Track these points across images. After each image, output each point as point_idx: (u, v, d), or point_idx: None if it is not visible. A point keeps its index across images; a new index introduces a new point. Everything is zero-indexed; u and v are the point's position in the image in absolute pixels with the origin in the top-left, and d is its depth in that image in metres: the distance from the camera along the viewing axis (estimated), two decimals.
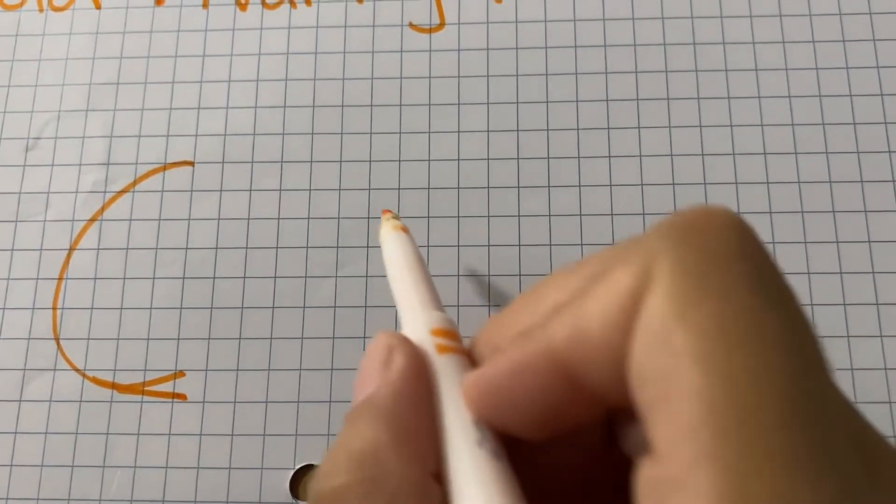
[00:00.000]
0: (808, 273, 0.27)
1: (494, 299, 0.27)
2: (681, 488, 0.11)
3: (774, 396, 0.10)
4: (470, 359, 0.16)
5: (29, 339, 0.28)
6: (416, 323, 0.17)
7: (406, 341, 0.16)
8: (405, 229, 0.23)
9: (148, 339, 0.28)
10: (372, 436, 0.14)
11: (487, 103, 0.30)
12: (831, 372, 0.11)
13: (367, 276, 0.28)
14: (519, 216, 0.28)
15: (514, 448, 0.14)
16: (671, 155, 0.29)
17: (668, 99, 0.29)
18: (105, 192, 0.30)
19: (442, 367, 0.16)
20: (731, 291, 0.11)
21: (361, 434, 0.15)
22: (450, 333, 0.17)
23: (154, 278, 0.29)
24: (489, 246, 0.28)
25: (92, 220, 0.29)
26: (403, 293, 0.20)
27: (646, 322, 0.11)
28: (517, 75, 0.30)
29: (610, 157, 0.29)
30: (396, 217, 0.25)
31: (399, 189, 0.29)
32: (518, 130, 0.29)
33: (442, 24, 0.31)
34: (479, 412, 0.14)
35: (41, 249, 0.29)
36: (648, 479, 0.11)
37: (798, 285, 0.27)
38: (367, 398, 0.15)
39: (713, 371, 0.11)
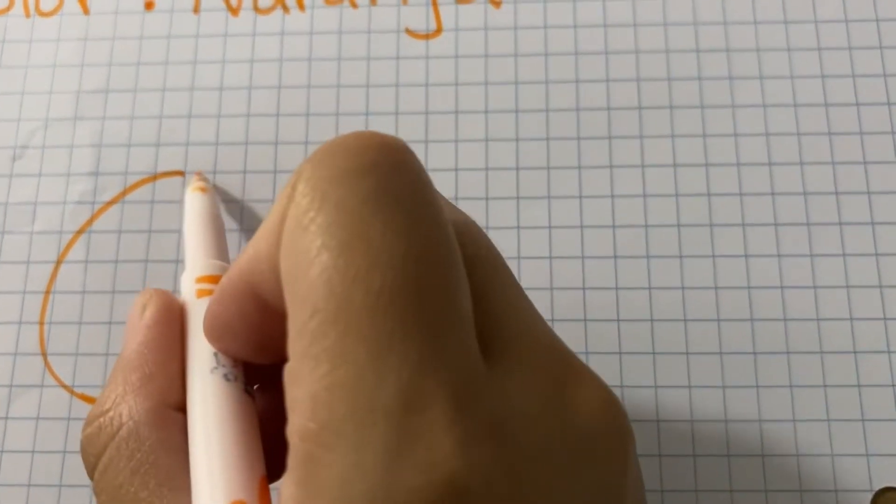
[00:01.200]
0: (815, 286, 0.27)
1: None
2: (295, 380, 0.12)
3: (365, 291, 0.12)
4: None
5: (15, 354, 0.27)
6: (187, 272, 0.19)
7: (158, 295, 0.18)
8: (205, 189, 0.24)
9: None
10: (118, 386, 0.17)
11: (486, 112, 0.29)
12: (454, 275, 0.13)
13: None
14: (518, 228, 0.28)
15: (262, 373, 0.16)
16: (674, 165, 0.28)
17: (671, 107, 0.28)
18: (94, 202, 0.29)
19: (194, 309, 0.17)
20: (346, 202, 0.12)
21: (110, 389, 0.17)
22: (216, 278, 0.18)
23: None
24: None
25: (80, 231, 0.29)
26: (186, 247, 0.21)
27: (284, 234, 0.13)
28: (516, 83, 0.29)
29: (611, 167, 0.28)
30: (204, 178, 0.26)
31: None
32: (517, 140, 0.28)
33: (439, 31, 0.30)
34: (213, 344, 0.16)
35: (28, 262, 0.28)
36: (285, 373, 0.13)
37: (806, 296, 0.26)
38: (119, 355, 0.17)
39: (316, 275, 0.12)
